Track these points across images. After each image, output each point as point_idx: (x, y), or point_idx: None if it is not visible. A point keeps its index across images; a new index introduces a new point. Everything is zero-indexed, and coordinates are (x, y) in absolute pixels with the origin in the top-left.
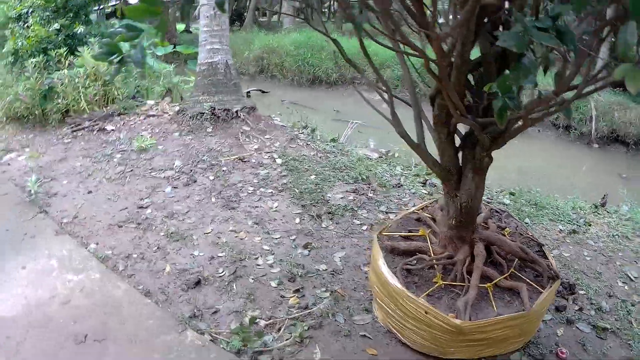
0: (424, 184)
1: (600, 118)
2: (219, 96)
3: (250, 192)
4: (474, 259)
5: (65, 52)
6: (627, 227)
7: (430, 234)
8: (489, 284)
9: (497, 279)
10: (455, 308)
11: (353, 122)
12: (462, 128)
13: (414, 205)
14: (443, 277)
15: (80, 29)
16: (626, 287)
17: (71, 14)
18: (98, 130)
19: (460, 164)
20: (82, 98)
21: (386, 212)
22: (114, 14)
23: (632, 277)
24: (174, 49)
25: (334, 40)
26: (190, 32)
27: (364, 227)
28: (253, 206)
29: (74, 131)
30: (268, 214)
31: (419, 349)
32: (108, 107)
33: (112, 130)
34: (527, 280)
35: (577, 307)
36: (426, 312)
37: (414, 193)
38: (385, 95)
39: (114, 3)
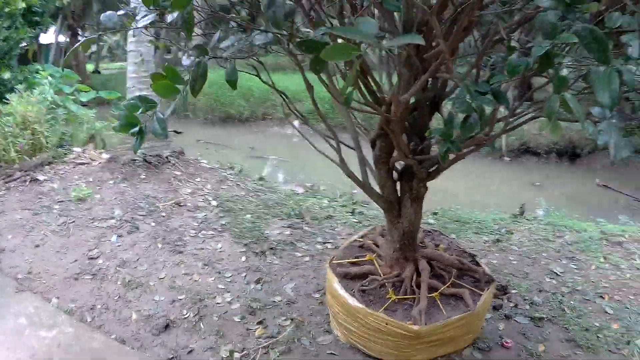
0: (352, 213)
1: (510, 132)
2: (150, 142)
3: (192, 235)
4: (420, 274)
5: None
6: (547, 231)
7: (376, 258)
8: (435, 293)
9: (442, 288)
10: (411, 317)
11: (271, 158)
12: (398, 164)
13: (348, 234)
14: (395, 293)
15: (6, 75)
16: (554, 282)
17: None
18: (31, 181)
19: (399, 195)
20: (12, 148)
21: (323, 243)
22: (26, 55)
23: (558, 273)
24: (97, 94)
25: (310, 87)
26: (100, 73)
27: (306, 259)
28: (199, 248)
29: (7, 182)
30: (215, 254)
31: (383, 357)
32: (37, 156)
33: (45, 180)
34: (467, 286)
35: (512, 304)
36: (387, 324)
37: (345, 223)
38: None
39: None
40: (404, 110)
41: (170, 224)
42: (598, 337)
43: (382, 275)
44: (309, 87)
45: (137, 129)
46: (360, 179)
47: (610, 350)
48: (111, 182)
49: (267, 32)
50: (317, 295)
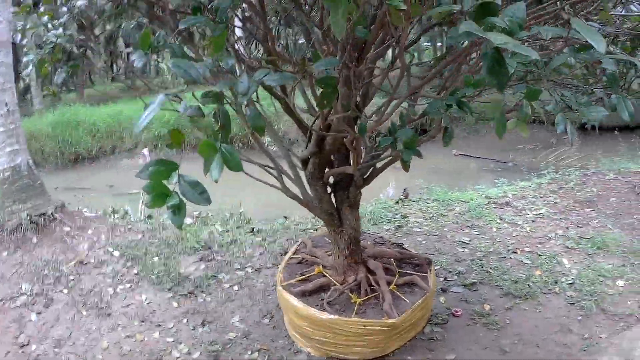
0: (252, 232)
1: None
2: (32, 201)
3: (111, 293)
4: (373, 273)
5: None
6: (437, 207)
7: (323, 269)
8: (392, 286)
9: (395, 280)
10: (384, 312)
11: (135, 193)
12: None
13: (260, 254)
14: (357, 296)
15: None
16: (467, 250)
17: None
18: None
19: (337, 205)
20: None
21: (243, 269)
22: None
23: (466, 242)
24: None
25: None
26: None
27: (235, 288)
28: (125, 305)
29: None
30: (145, 308)
31: (364, 357)
32: None
33: None
34: (413, 272)
35: (442, 279)
36: (365, 325)
37: (251, 243)
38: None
39: None
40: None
41: (83, 287)
42: (529, 285)
43: (338, 283)
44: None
45: (176, 200)
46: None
47: (544, 293)
48: (5, 253)
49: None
50: (266, 321)
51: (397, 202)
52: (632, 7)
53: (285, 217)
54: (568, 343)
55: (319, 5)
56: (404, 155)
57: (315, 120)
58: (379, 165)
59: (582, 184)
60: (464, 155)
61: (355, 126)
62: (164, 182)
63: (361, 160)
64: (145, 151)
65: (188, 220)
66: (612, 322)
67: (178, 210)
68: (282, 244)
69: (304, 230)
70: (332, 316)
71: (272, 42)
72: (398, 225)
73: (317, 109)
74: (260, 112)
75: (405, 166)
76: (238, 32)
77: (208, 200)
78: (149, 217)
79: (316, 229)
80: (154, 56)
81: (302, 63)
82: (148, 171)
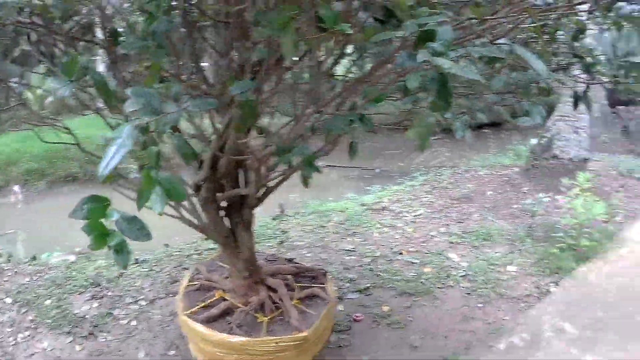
0: (137, 262)
1: None
2: None
3: (12, 343)
4: (274, 290)
5: None
6: (315, 219)
7: (224, 294)
8: (295, 301)
9: (296, 294)
10: (294, 327)
11: (13, 232)
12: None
13: (151, 285)
14: (263, 315)
15: None
16: (353, 257)
17: None
18: None
19: (231, 227)
20: None
21: (136, 302)
22: None
23: (351, 250)
24: None
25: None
26: None
27: (133, 323)
28: (28, 356)
29: None
30: (47, 355)
31: None
32: None
33: None
34: (311, 284)
35: (335, 288)
36: (277, 342)
37: (139, 275)
38: None
39: None
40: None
41: None
42: (422, 282)
43: (242, 305)
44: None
45: (119, 239)
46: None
47: (439, 288)
48: None
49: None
50: (172, 352)
51: (275, 219)
52: None
53: (166, 244)
54: (475, 330)
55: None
56: (305, 171)
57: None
58: (271, 184)
59: (456, 182)
60: (331, 166)
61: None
62: (101, 220)
63: (264, 181)
64: (17, 188)
65: (72, 258)
66: (513, 304)
67: (121, 250)
68: (170, 273)
69: (188, 256)
70: (243, 338)
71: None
72: (280, 241)
73: (215, 133)
74: (186, 140)
75: (306, 182)
76: None
77: (149, 236)
78: (34, 258)
79: (200, 254)
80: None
81: (223, 87)
82: (83, 210)
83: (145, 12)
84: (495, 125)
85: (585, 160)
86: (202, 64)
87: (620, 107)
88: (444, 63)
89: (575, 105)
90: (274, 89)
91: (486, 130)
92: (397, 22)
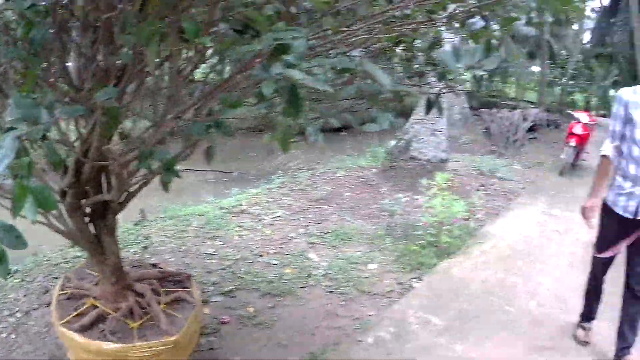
0: (9, 274)
1: None
2: None
3: None
4: (142, 295)
5: None
6: (175, 224)
7: (95, 301)
8: (162, 305)
9: (162, 298)
10: (163, 331)
11: None
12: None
13: (26, 296)
14: (133, 321)
15: None
16: (214, 261)
17: None
18: None
19: (96, 234)
20: None
21: (12, 314)
22: None
23: (212, 253)
24: None
25: None
26: None
27: (13, 336)
28: None
29: None
30: None
31: None
32: None
33: None
34: (176, 289)
35: (199, 291)
36: (150, 347)
37: (12, 287)
38: None
39: None
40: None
41: None
42: (283, 282)
43: (112, 312)
44: None
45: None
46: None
47: (301, 287)
48: None
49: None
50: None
51: (136, 224)
52: None
53: (34, 254)
54: (341, 326)
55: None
56: (165, 176)
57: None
58: (132, 189)
59: (314, 184)
60: (190, 170)
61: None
62: None
63: (125, 186)
64: None
65: None
66: (376, 300)
67: (2, 260)
68: (41, 283)
69: (57, 264)
70: (117, 345)
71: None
72: (144, 247)
73: (80, 138)
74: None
75: (166, 187)
76: None
77: (25, 245)
78: None
79: (68, 262)
80: None
81: (89, 93)
82: None
83: (23, 18)
84: (352, 128)
85: (444, 161)
86: (68, 67)
87: (483, 110)
88: (296, 74)
89: (428, 110)
90: (136, 94)
91: (344, 133)
92: (255, 33)
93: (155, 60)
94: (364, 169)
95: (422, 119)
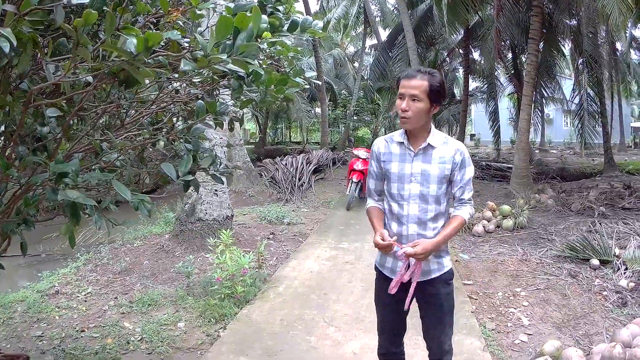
0: None
1: None
2: None
3: None
4: None
5: None
6: (1, 313)
7: None
8: None
9: None
10: None
11: None
12: None
13: None
14: None
15: None
16: (44, 342)
17: None
18: None
19: None
20: None
21: None
22: None
23: (40, 335)
24: None
25: None
26: None
27: None
28: None
29: None
30: None
31: None
32: None
33: None
34: None
35: None
36: None
37: None
38: None
39: None
40: None
41: None
42: (108, 352)
43: None
44: None
45: None
46: None
47: (124, 353)
48: None
49: None
50: None
51: None
52: None
53: None
54: None
55: None
56: None
57: None
58: None
59: (115, 257)
60: (2, 256)
61: None
62: None
63: None
64: None
65: None
66: (190, 353)
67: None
68: None
69: None
70: None
71: None
72: None
73: None
74: None
75: None
76: None
77: None
78: None
79: None
80: None
81: None
82: None
83: None
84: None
85: (229, 217)
86: None
87: (266, 160)
88: (73, 195)
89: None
90: None
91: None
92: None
93: None
94: (159, 235)
95: (203, 181)
